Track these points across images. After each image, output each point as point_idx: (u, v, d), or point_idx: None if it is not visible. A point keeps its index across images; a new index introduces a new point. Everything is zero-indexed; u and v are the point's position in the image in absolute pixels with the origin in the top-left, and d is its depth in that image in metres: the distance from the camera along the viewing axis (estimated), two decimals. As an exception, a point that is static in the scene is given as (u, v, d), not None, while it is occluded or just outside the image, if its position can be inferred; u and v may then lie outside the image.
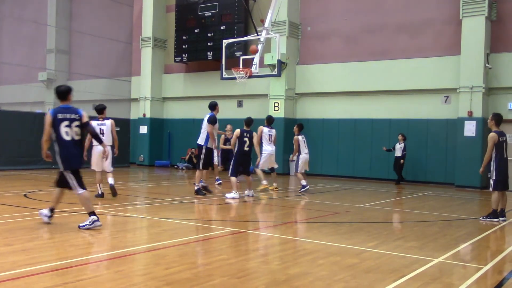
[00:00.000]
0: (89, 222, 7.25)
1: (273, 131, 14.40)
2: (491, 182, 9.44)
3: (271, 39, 18.59)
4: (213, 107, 12.52)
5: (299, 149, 13.72)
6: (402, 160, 17.47)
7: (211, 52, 22.17)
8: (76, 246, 6.33)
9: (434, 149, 18.07)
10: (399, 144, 17.65)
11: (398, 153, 17.68)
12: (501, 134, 9.41)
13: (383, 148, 18.14)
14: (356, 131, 19.64)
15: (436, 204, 12.38)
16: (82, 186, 7.43)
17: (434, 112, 18.13)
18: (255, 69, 17.26)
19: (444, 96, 18.00)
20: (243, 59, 18.10)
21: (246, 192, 12.40)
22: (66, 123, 7.53)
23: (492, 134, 9.30)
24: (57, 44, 27.61)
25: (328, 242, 7.01)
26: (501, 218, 9.46)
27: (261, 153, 13.50)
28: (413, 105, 18.56)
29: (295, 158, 13.96)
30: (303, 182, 13.60)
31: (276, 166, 14.80)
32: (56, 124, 7.47)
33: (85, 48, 26.75)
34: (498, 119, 9.54)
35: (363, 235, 7.61)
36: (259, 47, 17.46)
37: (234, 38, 20.38)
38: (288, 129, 20.73)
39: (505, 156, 9.46)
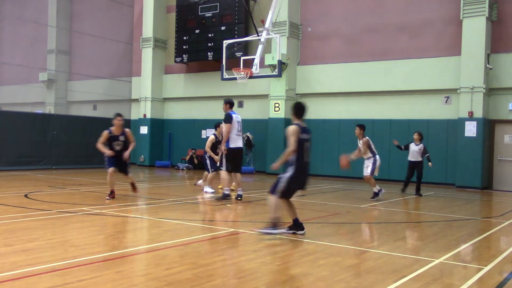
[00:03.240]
0: None
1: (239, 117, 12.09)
2: (280, 186, 7.32)
3: (272, 39, 18.60)
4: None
5: (372, 151, 12.45)
6: (430, 163, 14.18)
7: (212, 53, 22.17)
8: (77, 247, 6.33)
9: (434, 149, 18.01)
10: (416, 145, 14.27)
11: (414, 156, 14.21)
12: (304, 130, 7.30)
13: (394, 142, 14.76)
14: (357, 131, 19.60)
15: (437, 205, 12.38)
16: None
17: (434, 112, 18.13)
18: (255, 69, 17.27)
19: (445, 97, 17.99)
20: (243, 60, 18.11)
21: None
22: None
23: (293, 127, 7.19)
24: (58, 44, 27.65)
25: (329, 243, 7.01)
26: (287, 230, 7.46)
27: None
28: (413, 106, 18.55)
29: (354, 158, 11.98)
30: (376, 189, 12.51)
31: None
32: None
33: (85, 48, 26.79)
34: (299, 110, 7.41)
35: (364, 236, 7.61)
36: (259, 47, 17.47)
37: (234, 38, 20.39)
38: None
39: (305, 160, 7.30)
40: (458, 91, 17.19)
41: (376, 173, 12.61)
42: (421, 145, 14.26)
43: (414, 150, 14.25)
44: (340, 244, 6.96)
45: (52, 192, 12.29)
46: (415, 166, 14.32)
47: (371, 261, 6.00)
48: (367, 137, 12.53)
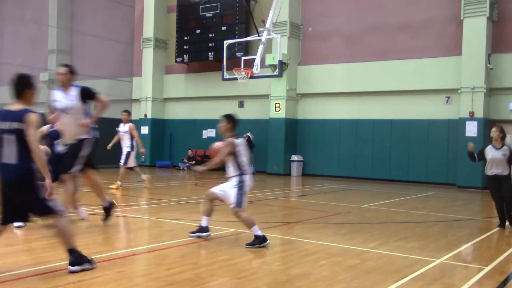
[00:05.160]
0: None
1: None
2: None
3: (272, 39, 18.60)
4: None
5: (240, 166, 6.83)
6: None
7: (212, 53, 22.18)
8: (78, 247, 6.33)
9: (435, 149, 18.04)
10: (496, 148, 8.76)
11: (497, 167, 8.65)
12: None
13: (469, 145, 9.33)
14: (357, 131, 19.63)
15: (438, 205, 12.38)
16: None
17: (435, 112, 18.12)
18: (256, 69, 17.29)
19: (446, 97, 17.98)
20: (244, 60, 18.12)
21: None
22: None
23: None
24: (58, 44, 27.66)
25: (330, 243, 7.01)
26: None
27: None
28: (414, 106, 18.54)
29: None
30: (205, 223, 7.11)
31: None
32: None
33: (86, 48, 26.78)
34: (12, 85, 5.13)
35: (365, 236, 7.61)
36: (260, 47, 17.48)
37: (235, 38, 20.39)
38: (289, 130, 20.76)
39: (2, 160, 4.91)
40: (459, 91, 17.18)
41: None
42: (506, 148, 8.73)
43: (496, 157, 8.67)
44: (341, 244, 6.96)
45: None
46: (500, 183, 8.65)
47: (372, 261, 6.00)
48: (236, 139, 6.83)
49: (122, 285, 4.76)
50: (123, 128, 13.56)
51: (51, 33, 27.70)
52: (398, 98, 18.92)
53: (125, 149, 13.54)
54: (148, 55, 24.42)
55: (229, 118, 7.04)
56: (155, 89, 24.43)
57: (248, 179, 6.84)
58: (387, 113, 19.07)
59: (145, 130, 24.40)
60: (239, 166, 6.78)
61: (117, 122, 23.04)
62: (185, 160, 22.80)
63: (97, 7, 26.47)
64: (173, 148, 24.47)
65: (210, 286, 4.82)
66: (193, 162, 22.64)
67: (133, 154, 13.59)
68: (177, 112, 24.61)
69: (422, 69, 18.18)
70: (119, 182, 13.26)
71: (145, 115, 24.44)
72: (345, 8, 20.02)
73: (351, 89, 19.74)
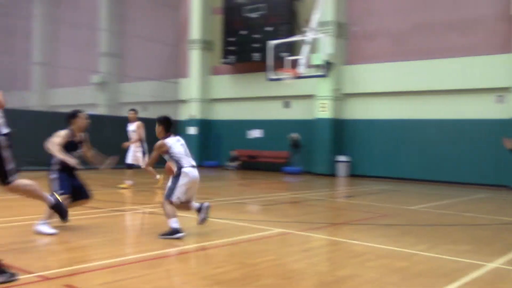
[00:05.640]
0: None
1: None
2: None
3: (318, 39, 18.51)
4: None
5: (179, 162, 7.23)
6: None
7: (258, 53, 22.26)
8: (127, 245, 6.50)
9: (487, 150, 17.50)
10: None
11: None
12: None
13: (507, 143, 8.48)
14: (405, 131, 19.28)
15: (490, 207, 12.01)
16: None
17: (486, 112, 17.59)
18: (301, 69, 17.25)
19: (497, 96, 17.43)
20: (289, 60, 18.13)
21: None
22: None
23: None
24: (109, 47, 28.47)
25: (377, 245, 6.92)
26: None
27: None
28: (464, 105, 18.06)
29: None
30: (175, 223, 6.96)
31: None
32: None
33: (135, 51, 27.45)
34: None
35: (413, 238, 7.47)
36: (305, 47, 17.42)
37: (280, 39, 20.38)
38: (335, 130, 20.60)
39: None
40: (511, 89, 16.62)
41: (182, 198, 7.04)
42: None
43: None
44: (389, 246, 6.86)
45: (105, 191, 12.63)
46: None
47: (421, 264, 5.89)
48: (165, 139, 7.25)
49: (171, 283, 4.85)
50: (131, 127, 13.70)
51: (102, 36, 28.56)
52: (446, 98, 18.47)
53: (138, 151, 13.43)
54: (194, 56, 24.78)
55: (159, 121, 7.37)
56: (202, 90, 24.76)
57: (187, 171, 7.11)
58: (435, 112, 18.65)
59: (192, 130, 24.75)
60: (177, 161, 7.16)
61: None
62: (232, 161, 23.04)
63: (146, 10, 27.10)
64: (220, 149, 24.70)
65: (257, 286, 4.85)
66: (240, 162, 22.83)
67: (141, 153, 13.45)
68: (223, 112, 24.84)
69: (472, 67, 17.69)
70: (158, 176, 13.30)
71: (193, 116, 24.78)
72: (391, 6, 19.72)
73: (398, 88, 19.42)
